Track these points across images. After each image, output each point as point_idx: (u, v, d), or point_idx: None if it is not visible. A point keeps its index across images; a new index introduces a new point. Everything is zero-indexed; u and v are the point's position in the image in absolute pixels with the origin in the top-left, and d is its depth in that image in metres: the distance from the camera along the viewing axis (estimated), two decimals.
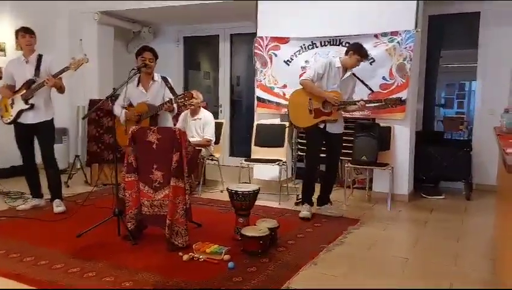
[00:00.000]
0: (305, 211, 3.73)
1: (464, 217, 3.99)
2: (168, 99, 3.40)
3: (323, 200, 3.97)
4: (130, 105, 3.55)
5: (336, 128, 3.78)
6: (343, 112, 3.86)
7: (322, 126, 3.73)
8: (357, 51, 3.66)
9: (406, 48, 4.24)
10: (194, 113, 4.80)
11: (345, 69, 3.73)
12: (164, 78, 3.56)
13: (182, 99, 3.26)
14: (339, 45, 4.56)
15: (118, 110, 3.51)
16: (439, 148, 4.83)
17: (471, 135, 5.30)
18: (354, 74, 3.81)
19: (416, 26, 4.26)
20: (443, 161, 4.70)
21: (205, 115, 4.83)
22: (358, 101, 3.67)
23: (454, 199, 4.56)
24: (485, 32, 4.92)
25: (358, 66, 3.74)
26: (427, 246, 3.16)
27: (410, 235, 3.51)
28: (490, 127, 4.48)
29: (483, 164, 4.86)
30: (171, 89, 3.52)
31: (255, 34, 5.04)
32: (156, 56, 3.49)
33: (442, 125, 7.68)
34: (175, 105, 3.43)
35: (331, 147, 3.85)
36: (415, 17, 4.26)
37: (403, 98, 4.04)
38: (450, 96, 10.25)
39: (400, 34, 4.25)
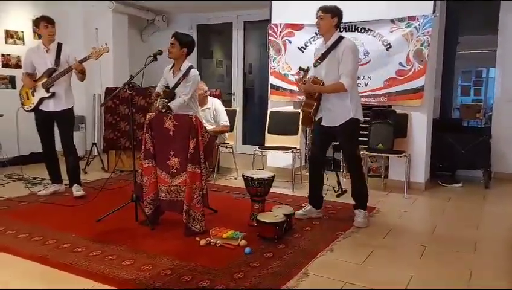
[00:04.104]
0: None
1: (483, 205, 3.93)
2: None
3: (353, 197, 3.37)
4: (167, 87, 3.56)
5: (328, 119, 3.19)
6: (334, 96, 3.11)
7: (317, 119, 3.25)
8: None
9: (423, 33, 4.14)
10: (202, 103, 4.76)
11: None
12: (187, 70, 3.42)
13: None
14: (354, 31, 4.49)
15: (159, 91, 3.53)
16: (457, 135, 4.73)
17: (489, 122, 5.20)
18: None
19: (434, 11, 4.16)
20: (461, 148, 4.62)
21: (214, 102, 4.81)
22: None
23: (472, 187, 4.49)
24: (505, 18, 4.78)
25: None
26: (445, 234, 3.12)
27: (427, 223, 3.48)
28: (510, 114, 4.39)
29: (503, 151, 4.77)
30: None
31: (268, 21, 4.99)
32: (180, 42, 3.33)
33: (459, 113, 7.55)
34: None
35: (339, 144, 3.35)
36: (433, 2, 4.16)
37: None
38: (467, 84, 10.02)
39: (418, 19, 4.16)
